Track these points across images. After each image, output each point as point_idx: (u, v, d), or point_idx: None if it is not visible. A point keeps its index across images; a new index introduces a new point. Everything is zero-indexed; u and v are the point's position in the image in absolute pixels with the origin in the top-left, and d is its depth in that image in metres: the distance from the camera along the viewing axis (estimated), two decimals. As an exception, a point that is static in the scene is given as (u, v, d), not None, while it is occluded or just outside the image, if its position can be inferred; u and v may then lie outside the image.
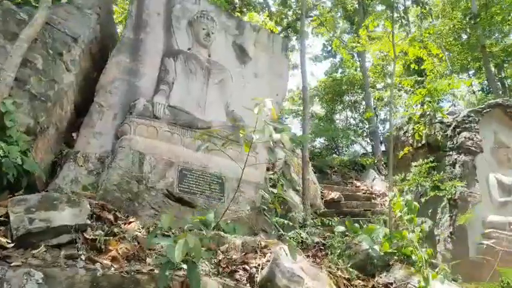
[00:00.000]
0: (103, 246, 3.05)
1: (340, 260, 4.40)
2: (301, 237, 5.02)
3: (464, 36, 17.90)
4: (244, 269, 3.51)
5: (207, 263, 3.45)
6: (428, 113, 9.53)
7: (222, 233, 4.08)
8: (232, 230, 4.64)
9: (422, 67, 9.37)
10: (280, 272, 3.32)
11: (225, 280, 3.26)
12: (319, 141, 23.16)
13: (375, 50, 8.48)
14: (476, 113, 9.28)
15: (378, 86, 19.17)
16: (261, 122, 3.55)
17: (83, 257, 2.84)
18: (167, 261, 2.34)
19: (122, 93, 5.37)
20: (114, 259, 2.96)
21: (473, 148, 8.63)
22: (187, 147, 5.00)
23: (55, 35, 4.91)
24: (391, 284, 4.23)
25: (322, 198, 8.83)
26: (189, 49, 5.87)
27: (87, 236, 3.06)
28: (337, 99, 22.38)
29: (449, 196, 8.04)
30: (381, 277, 4.42)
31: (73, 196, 3.43)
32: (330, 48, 25.06)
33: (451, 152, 8.85)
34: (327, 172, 11.23)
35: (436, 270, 3.66)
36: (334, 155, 14.92)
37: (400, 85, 10.64)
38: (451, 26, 16.77)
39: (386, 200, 8.97)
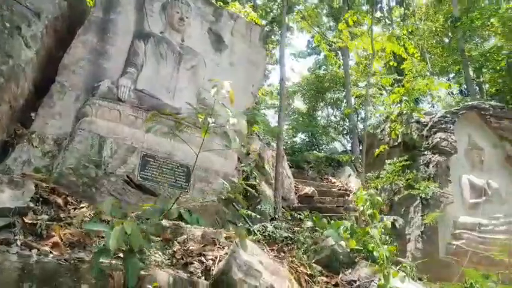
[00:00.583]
0: (44, 232, 2.82)
1: (304, 256, 4.26)
2: (268, 231, 4.86)
3: (446, 40, 18.09)
4: (201, 261, 3.33)
5: (160, 253, 3.26)
6: (405, 112, 9.53)
7: (181, 223, 3.88)
8: (195, 220, 4.44)
9: (402, 66, 9.34)
10: (237, 265, 3.16)
11: (177, 272, 3.08)
12: (300, 137, 23.17)
13: (354, 46, 8.38)
14: (452, 114, 9.32)
15: (361, 84, 19.20)
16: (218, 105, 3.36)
17: (18, 243, 2.60)
18: (102, 248, 2.14)
19: (87, 74, 5.09)
20: (55, 245, 2.73)
21: (447, 149, 8.65)
22: (153, 133, 4.76)
23: (14, 8, 4.59)
24: (355, 281, 4.13)
25: (296, 193, 8.71)
26: (161, 32, 5.62)
27: (27, 220, 2.83)
28: (319, 96, 22.39)
29: (422, 196, 8.04)
30: (345, 274, 4.31)
31: (16, 177, 3.18)
32: (314, 44, 25.06)
33: (425, 152, 8.86)
34: (304, 167, 11.14)
35: (398, 267, 3.55)
36: (314, 151, 14.81)
37: (380, 84, 10.60)
38: (433, 28, 16.92)
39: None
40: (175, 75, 5.29)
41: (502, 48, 14.52)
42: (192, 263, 3.29)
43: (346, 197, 8.96)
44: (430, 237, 7.81)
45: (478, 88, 18.04)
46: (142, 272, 2.67)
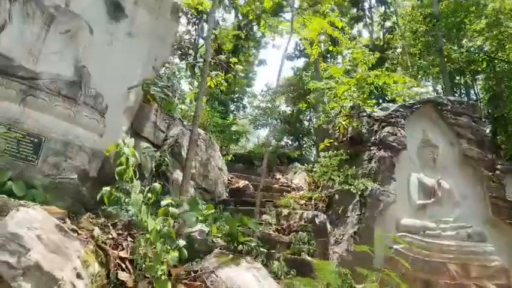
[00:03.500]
0: None
1: (145, 242, 3.61)
2: (129, 214, 4.24)
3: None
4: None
5: None
6: (356, 106, 8.87)
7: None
8: (31, 196, 3.85)
9: (352, 56, 8.70)
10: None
11: None
12: (285, 141, 22.55)
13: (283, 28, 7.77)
14: (406, 108, 8.60)
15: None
16: None
17: None
18: None
19: None
20: None
21: (395, 144, 7.93)
22: (-3, 96, 4.19)
23: None
24: (196, 271, 3.49)
25: (228, 186, 8.09)
26: (40, -7, 5.08)
27: None
28: (302, 99, 21.84)
29: (360, 193, 7.32)
30: (192, 264, 3.68)
31: None
32: (303, 47, 24.51)
33: (372, 147, 8.15)
34: (255, 163, 10.54)
35: (174, 246, 2.90)
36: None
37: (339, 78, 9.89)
38: (415, 28, 16.26)
39: (299, 194, 8.26)
40: (42, 37, 4.72)
41: (481, 49, 13.83)
42: None
43: (285, 193, 8.28)
44: (366, 239, 7.01)
45: (465, 92, 17.24)
46: None
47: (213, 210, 4.12)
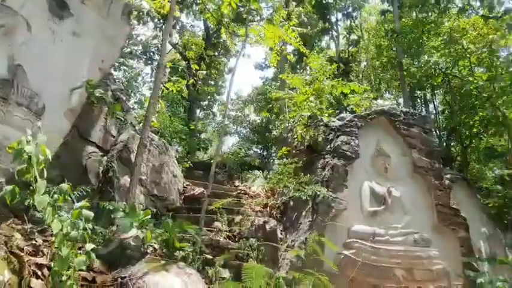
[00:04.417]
0: None
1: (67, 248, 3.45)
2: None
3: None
4: None
5: None
6: (313, 115, 8.98)
7: None
8: None
9: (310, 65, 8.83)
10: None
11: None
12: (254, 151, 22.50)
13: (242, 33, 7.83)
14: (361, 119, 8.78)
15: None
16: None
17: None
18: None
19: None
20: None
21: (348, 153, 8.07)
22: None
23: None
24: (124, 277, 3.37)
25: (183, 193, 7.97)
26: (-28, -11, 4.87)
27: None
28: (268, 107, 21.96)
29: (312, 200, 7.37)
30: (121, 270, 3.56)
31: None
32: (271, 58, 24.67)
33: (327, 155, 8.26)
34: (216, 171, 10.42)
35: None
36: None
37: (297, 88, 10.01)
38: (378, 43, 16.72)
39: (255, 201, 8.24)
40: (-29, 33, 4.52)
41: (437, 64, 14.34)
42: None
43: (242, 200, 8.24)
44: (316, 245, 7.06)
45: (424, 104, 17.83)
46: None
47: (149, 216, 4.01)
